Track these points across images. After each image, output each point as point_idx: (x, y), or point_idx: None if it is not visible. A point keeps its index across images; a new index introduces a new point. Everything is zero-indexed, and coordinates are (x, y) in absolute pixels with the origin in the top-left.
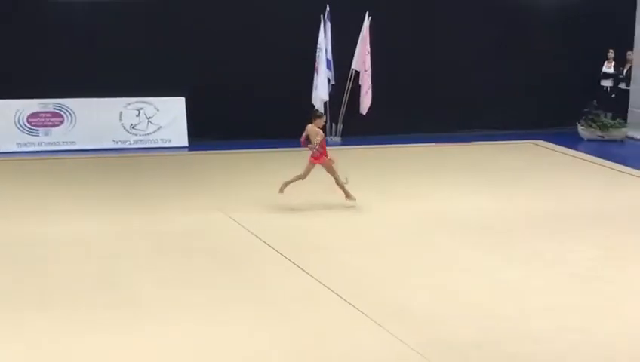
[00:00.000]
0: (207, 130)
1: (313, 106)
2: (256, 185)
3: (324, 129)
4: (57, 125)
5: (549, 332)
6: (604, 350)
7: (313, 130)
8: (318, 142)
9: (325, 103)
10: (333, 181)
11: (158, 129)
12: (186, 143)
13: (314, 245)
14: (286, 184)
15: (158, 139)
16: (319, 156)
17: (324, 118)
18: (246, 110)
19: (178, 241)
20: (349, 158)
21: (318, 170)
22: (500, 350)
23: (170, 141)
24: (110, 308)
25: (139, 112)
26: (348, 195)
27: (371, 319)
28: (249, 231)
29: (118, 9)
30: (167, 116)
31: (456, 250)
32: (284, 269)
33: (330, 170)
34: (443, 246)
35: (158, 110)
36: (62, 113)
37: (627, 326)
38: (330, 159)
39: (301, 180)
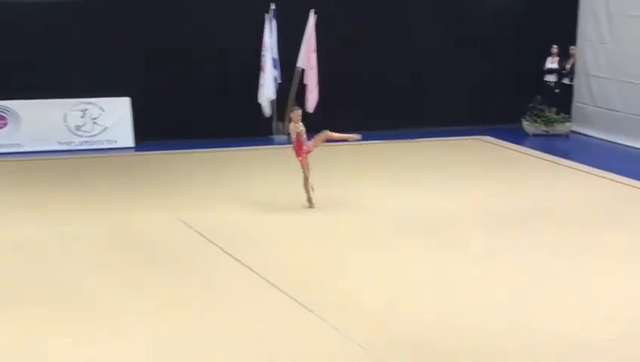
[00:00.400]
0: (154, 130)
1: (260, 105)
2: (203, 185)
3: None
4: (1, 127)
5: (498, 327)
6: (552, 344)
7: (292, 128)
8: (294, 139)
9: (272, 102)
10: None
11: (104, 130)
12: (132, 144)
13: (262, 245)
14: (308, 195)
15: (104, 140)
16: (298, 152)
17: (296, 111)
18: (193, 109)
19: (125, 242)
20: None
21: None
22: (450, 346)
23: (116, 142)
24: (55, 310)
25: (83, 113)
26: (309, 200)
27: (320, 317)
28: (197, 231)
29: (60, 9)
30: (112, 117)
31: (405, 248)
32: (231, 269)
33: (304, 169)
34: (391, 243)
35: (103, 111)
36: (5, 115)
37: (575, 320)
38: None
39: (309, 179)
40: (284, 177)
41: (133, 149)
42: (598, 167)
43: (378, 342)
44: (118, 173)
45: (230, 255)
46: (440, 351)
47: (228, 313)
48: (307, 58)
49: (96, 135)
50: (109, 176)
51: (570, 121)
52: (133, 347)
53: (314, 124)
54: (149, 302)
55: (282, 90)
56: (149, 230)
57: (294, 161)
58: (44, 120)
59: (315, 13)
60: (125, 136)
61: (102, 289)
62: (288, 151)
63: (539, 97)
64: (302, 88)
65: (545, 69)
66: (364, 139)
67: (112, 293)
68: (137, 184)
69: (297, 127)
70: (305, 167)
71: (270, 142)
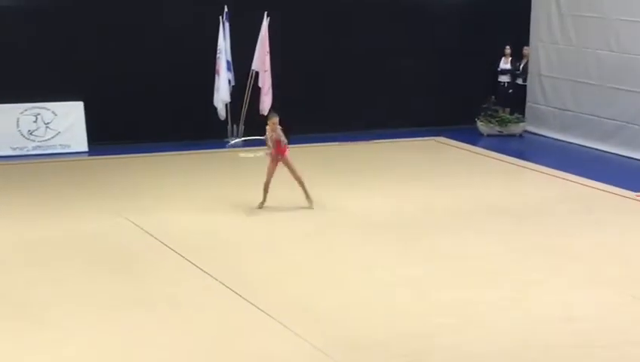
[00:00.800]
0: (108, 134)
1: (216, 108)
2: (157, 188)
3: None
4: None
5: (452, 327)
6: (506, 341)
7: (269, 134)
8: (269, 146)
9: (227, 105)
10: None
11: (57, 134)
12: (85, 148)
13: (216, 247)
14: (307, 196)
15: (57, 145)
16: (277, 152)
17: (273, 118)
18: (147, 113)
19: (79, 246)
20: (251, 159)
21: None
22: (404, 346)
23: (69, 146)
24: (5, 317)
25: (36, 118)
26: (263, 202)
27: (275, 319)
28: (150, 234)
29: (10, 13)
30: (65, 121)
31: (359, 248)
32: (185, 272)
33: (270, 171)
34: (345, 245)
35: (55, 115)
36: None
37: (529, 317)
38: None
39: (300, 181)
40: (238, 180)
41: (87, 153)
42: (552, 167)
43: (333, 343)
44: (71, 178)
45: (184, 257)
46: (395, 351)
47: (182, 315)
48: (261, 61)
49: (49, 140)
50: (62, 180)
51: (523, 122)
52: (84, 353)
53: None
54: (102, 305)
55: (236, 92)
56: (102, 234)
57: (248, 164)
58: None
59: (268, 15)
60: (79, 140)
61: (54, 294)
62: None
63: (493, 98)
64: (256, 91)
65: (499, 69)
66: (319, 141)
67: (63, 298)
68: (90, 188)
69: (276, 134)
70: (270, 169)
71: (225, 145)
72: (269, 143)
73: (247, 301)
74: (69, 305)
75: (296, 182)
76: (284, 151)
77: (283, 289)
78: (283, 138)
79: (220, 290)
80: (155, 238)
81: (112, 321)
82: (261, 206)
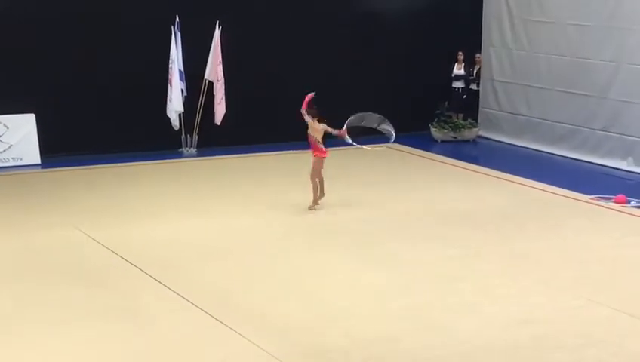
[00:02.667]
0: (61, 147)
1: (169, 119)
2: (112, 199)
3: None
4: None
5: (411, 332)
6: (466, 346)
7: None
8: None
9: (180, 115)
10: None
11: (9, 147)
12: (38, 161)
13: (170, 258)
14: (315, 199)
15: (9, 158)
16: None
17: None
18: (101, 124)
19: (33, 260)
20: (205, 169)
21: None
22: (364, 352)
23: (21, 159)
24: None
25: None
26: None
27: (232, 329)
28: (106, 247)
29: None
30: (17, 134)
31: (316, 255)
32: (142, 283)
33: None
34: (302, 251)
35: (7, 128)
36: None
37: (487, 321)
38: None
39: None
40: (194, 190)
41: (40, 166)
42: (506, 172)
43: (292, 351)
44: (23, 191)
45: (140, 269)
46: (354, 357)
47: (138, 327)
48: (214, 70)
49: (1, 153)
50: (15, 194)
51: (477, 127)
52: None
53: (222, 136)
54: (57, 319)
55: (190, 102)
56: (56, 248)
57: (204, 174)
58: None
59: (220, 25)
60: (31, 153)
61: (9, 309)
62: (195, 163)
63: (446, 103)
64: (210, 100)
65: (452, 75)
66: (271, 150)
67: (18, 312)
68: (44, 201)
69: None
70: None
71: (179, 155)
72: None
73: (204, 311)
74: (24, 319)
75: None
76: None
77: (239, 297)
78: (323, 134)
79: (176, 301)
80: (111, 251)
81: (68, 334)
82: (316, 203)
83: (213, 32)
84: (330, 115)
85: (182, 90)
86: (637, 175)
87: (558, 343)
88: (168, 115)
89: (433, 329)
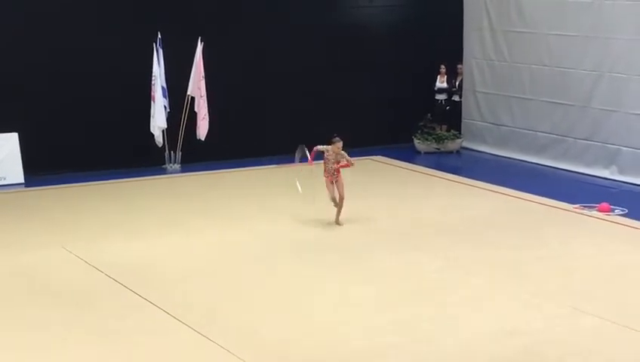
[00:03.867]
0: (45, 165)
1: (153, 135)
2: (97, 218)
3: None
4: None
5: (399, 346)
6: (453, 358)
7: (331, 157)
8: (329, 168)
9: (163, 131)
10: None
11: None
12: (22, 180)
13: (157, 275)
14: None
15: None
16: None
17: (337, 143)
18: (84, 141)
19: (18, 280)
20: (190, 185)
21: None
22: None
23: (4, 179)
24: None
25: None
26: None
27: (220, 346)
28: (92, 265)
29: None
30: None
31: (301, 270)
32: (129, 302)
33: (331, 188)
34: (288, 267)
35: None
36: None
37: (473, 333)
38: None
39: (342, 200)
40: (179, 206)
41: (24, 185)
42: (490, 182)
43: None
44: (8, 211)
45: (126, 287)
46: None
47: (126, 346)
48: (197, 86)
49: None
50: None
51: (460, 138)
52: None
53: (206, 152)
54: (43, 339)
55: (173, 118)
56: (42, 267)
57: (189, 190)
58: None
59: (202, 41)
60: (14, 172)
61: None
62: (179, 179)
63: (429, 115)
64: (193, 116)
65: (435, 88)
66: (255, 164)
67: (3, 332)
68: (29, 220)
69: (342, 157)
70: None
71: (163, 171)
72: (329, 165)
73: (192, 329)
74: (9, 340)
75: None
76: (346, 165)
77: (227, 314)
78: (347, 157)
79: (163, 318)
80: (97, 269)
81: (54, 355)
82: (337, 221)
83: (195, 48)
84: (314, 128)
85: (165, 107)
86: (620, 183)
87: (543, 353)
88: (152, 131)
89: (421, 343)
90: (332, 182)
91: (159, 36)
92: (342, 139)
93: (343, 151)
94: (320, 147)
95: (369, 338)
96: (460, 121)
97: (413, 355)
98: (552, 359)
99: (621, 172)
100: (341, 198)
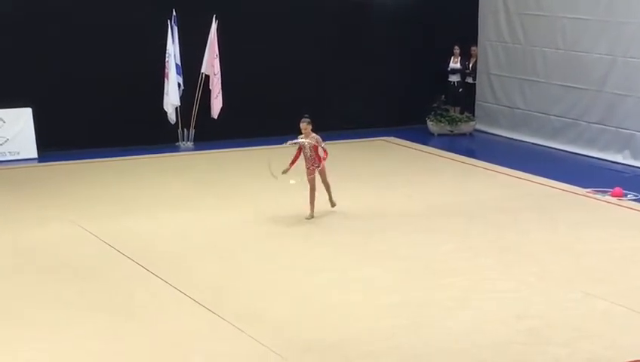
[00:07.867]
0: (58, 140)
1: (166, 112)
2: (109, 194)
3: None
4: None
5: (405, 328)
6: (461, 341)
7: (308, 141)
8: (310, 153)
9: (177, 109)
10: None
11: (5, 141)
12: (35, 155)
13: (168, 252)
14: (330, 198)
15: (6, 152)
16: (317, 161)
17: (303, 122)
18: (97, 118)
19: (30, 255)
20: (202, 163)
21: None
22: (357, 348)
23: (18, 153)
24: None
25: None
26: (312, 214)
27: (229, 323)
28: (103, 241)
29: None
30: (13, 128)
31: (310, 251)
32: (140, 278)
33: (312, 182)
34: (297, 247)
35: (4, 122)
36: None
37: (481, 316)
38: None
39: (328, 186)
40: (191, 184)
41: (37, 160)
42: (502, 165)
43: (288, 346)
44: (21, 186)
45: (137, 263)
46: (350, 353)
47: (137, 321)
48: (211, 64)
49: None
50: (12, 188)
51: (473, 120)
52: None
53: (219, 129)
54: (55, 313)
55: (186, 96)
56: (54, 242)
57: (199, 168)
58: None
59: (217, 19)
60: (28, 147)
61: (4, 304)
62: (193, 156)
63: (443, 97)
64: (206, 94)
65: (448, 69)
66: (268, 143)
67: (15, 308)
68: (41, 196)
69: (314, 141)
70: (324, 172)
71: (176, 149)
72: (307, 151)
73: (202, 305)
74: (20, 315)
75: (322, 186)
76: (323, 159)
77: (236, 293)
78: (323, 145)
79: (173, 295)
80: (109, 245)
81: (66, 329)
82: (310, 217)
83: (210, 26)
84: (326, 107)
85: (179, 84)
86: (633, 168)
87: (553, 338)
88: (165, 108)
89: (428, 325)
90: (313, 173)
91: (174, 14)
92: (352, 120)
93: (314, 134)
94: (299, 140)
95: (376, 320)
96: (474, 104)
97: (420, 337)
98: (561, 342)
99: (634, 156)
100: (327, 186)
